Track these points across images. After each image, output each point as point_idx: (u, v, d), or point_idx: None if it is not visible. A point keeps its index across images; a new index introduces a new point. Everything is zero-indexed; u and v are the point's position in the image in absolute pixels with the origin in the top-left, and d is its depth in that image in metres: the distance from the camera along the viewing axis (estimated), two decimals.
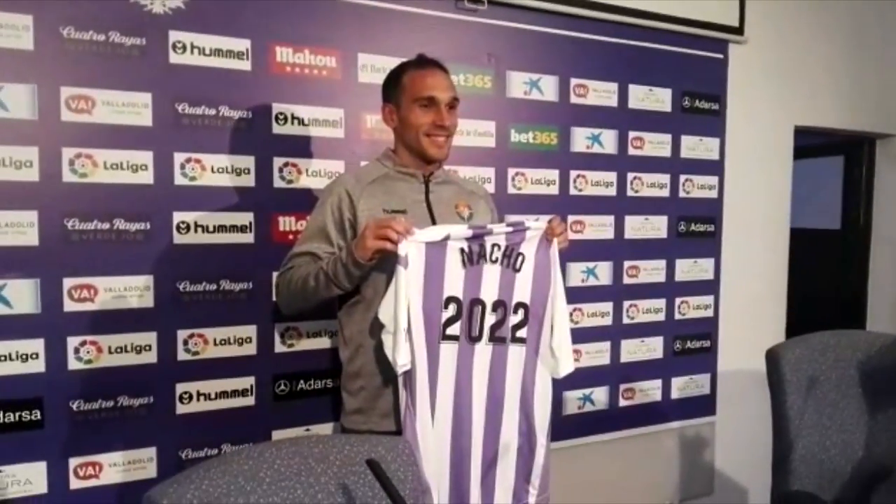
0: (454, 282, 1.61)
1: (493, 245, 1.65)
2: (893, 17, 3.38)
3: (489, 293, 1.65)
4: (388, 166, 1.77)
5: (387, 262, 1.58)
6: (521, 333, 1.70)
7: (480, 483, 1.69)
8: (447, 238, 1.60)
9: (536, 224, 1.70)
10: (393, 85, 1.76)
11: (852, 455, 2.02)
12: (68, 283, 1.83)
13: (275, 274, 2.01)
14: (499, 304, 1.66)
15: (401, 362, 1.55)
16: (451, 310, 1.61)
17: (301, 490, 1.26)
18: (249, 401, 2.07)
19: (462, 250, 1.61)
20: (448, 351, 1.62)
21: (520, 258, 1.68)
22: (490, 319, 1.66)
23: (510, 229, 1.67)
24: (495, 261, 1.65)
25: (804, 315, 3.02)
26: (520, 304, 1.69)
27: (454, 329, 1.62)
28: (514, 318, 1.69)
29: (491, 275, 1.65)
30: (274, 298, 2.00)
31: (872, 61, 3.35)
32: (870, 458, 2.02)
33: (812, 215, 3.86)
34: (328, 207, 1.70)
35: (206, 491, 1.18)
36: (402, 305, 1.54)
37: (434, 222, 1.71)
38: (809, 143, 3.62)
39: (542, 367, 1.73)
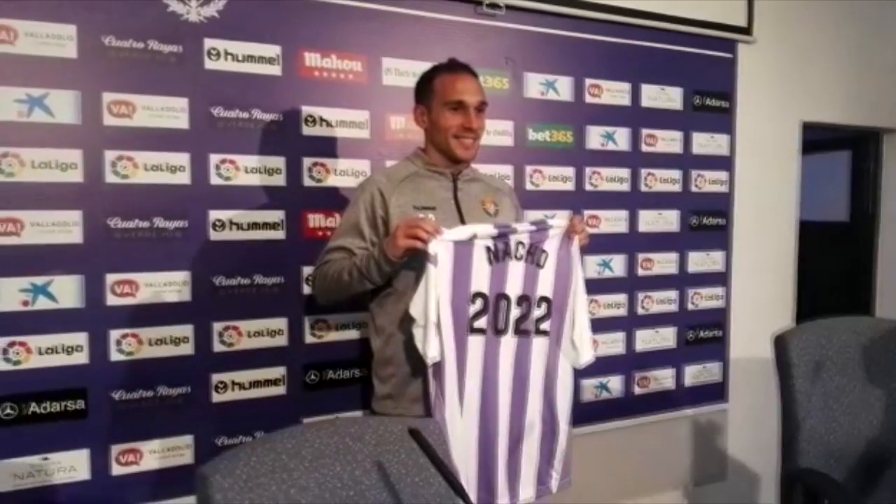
0: (481, 278, 1.69)
1: (518, 243, 1.73)
2: (892, 11, 3.41)
3: (514, 288, 1.73)
4: (418, 165, 1.86)
5: (416, 259, 1.66)
6: (544, 326, 1.78)
7: (506, 467, 1.77)
8: (474, 237, 1.68)
9: (558, 222, 1.78)
10: (424, 88, 1.84)
11: (858, 435, 2.08)
12: (110, 278, 1.91)
13: (305, 269, 2.11)
14: (523, 299, 1.75)
15: (431, 355, 1.63)
16: (479, 304, 1.70)
17: (339, 467, 1.33)
18: (281, 390, 2.15)
19: (488, 248, 1.70)
20: (476, 343, 1.70)
21: (543, 255, 1.76)
22: (515, 313, 1.74)
23: (534, 228, 1.75)
24: (520, 258, 1.73)
25: (815, 304, 3.06)
26: (543, 299, 1.77)
27: (481, 322, 1.70)
28: (538, 312, 1.77)
29: (515, 271, 1.73)
30: (309, 291, 2.10)
31: (878, 58, 3.39)
32: (874, 439, 2.08)
33: (821, 208, 3.91)
34: (361, 205, 1.78)
35: (254, 467, 1.25)
36: (432, 301, 1.62)
37: (462, 218, 1.79)
38: (818, 138, 3.66)
39: (563, 357, 1.82)
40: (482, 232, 1.69)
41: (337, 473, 1.33)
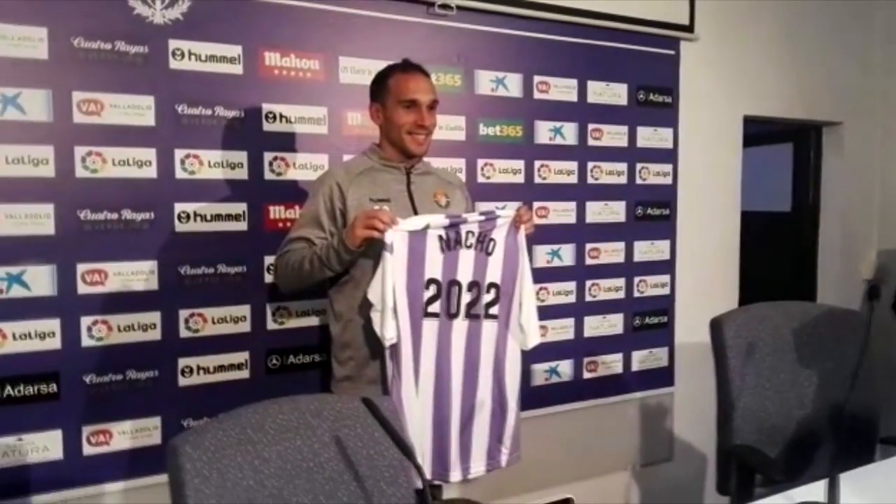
0: (434, 265, 1.80)
1: (468, 232, 1.84)
2: (834, 10, 3.55)
3: (465, 275, 1.85)
4: (374, 159, 1.96)
5: (373, 248, 1.77)
6: (494, 310, 1.90)
7: (458, 443, 1.89)
8: (427, 227, 1.79)
9: (505, 212, 1.90)
10: (379, 86, 1.94)
11: (788, 413, 2.20)
12: (81, 268, 1.98)
13: (267, 258, 2.20)
14: (473, 285, 1.86)
15: (388, 336, 1.75)
16: (432, 290, 1.81)
17: (300, 440, 1.42)
18: (244, 374, 2.23)
19: (440, 237, 1.81)
20: (430, 326, 1.82)
21: (491, 243, 1.88)
22: (466, 298, 1.86)
23: (482, 218, 1.87)
24: (469, 246, 1.85)
25: (759, 292, 3.15)
26: (492, 285, 1.89)
27: (435, 307, 1.82)
28: (487, 297, 1.89)
29: (466, 258, 1.85)
30: (270, 280, 2.19)
31: (815, 53, 3.51)
32: (803, 417, 2.21)
33: (766, 199, 4.06)
34: (321, 197, 1.88)
35: (221, 439, 1.34)
36: (389, 286, 1.73)
37: (415, 210, 1.90)
38: (762, 131, 3.79)
39: (512, 340, 1.93)
40: (435, 222, 1.81)
41: (298, 447, 1.42)
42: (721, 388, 2.20)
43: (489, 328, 1.90)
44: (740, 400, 2.16)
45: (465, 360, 1.89)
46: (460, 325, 1.87)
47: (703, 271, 3.26)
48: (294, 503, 1.41)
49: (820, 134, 3.82)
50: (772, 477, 1.97)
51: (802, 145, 3.92)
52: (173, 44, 2.08)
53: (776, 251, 3.97)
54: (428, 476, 1.83)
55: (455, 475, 1.89)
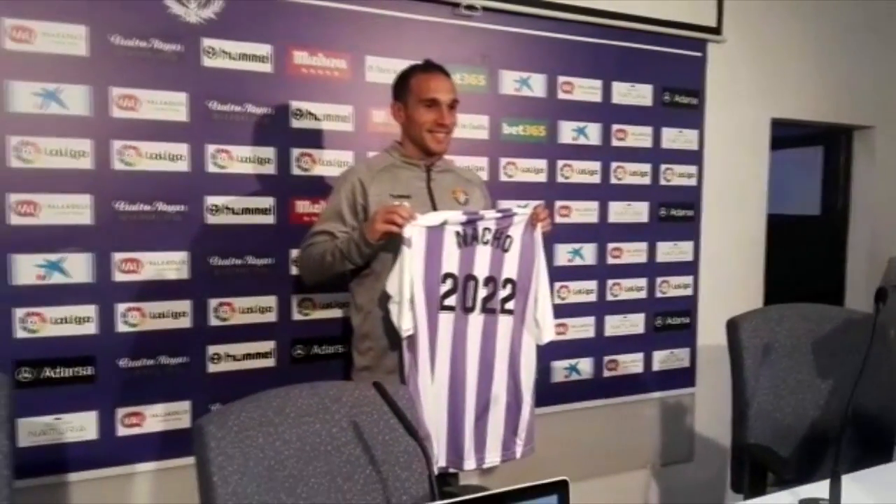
0: (451, 260, 1.85)
1: (485, 229, 1.89)
2: (863, 11, 3.52)
3: (481, 270, 1.89)
4: (395, 156, 2.02)
5: (393, 242, 1.82)
6: (509, 305, 1.94)
7: (473, 433, 1.94)
8: (445, 223, 1.84)
9: (523, 210, 1.94)
10: (401, 86, 2.00)
11: (803, 414, 2.21)
12: (117, 257, 2.07)
13: (293, 251, 2.25)
14: (489, 280, 1.91)
15: (405, 327, 1.80)
16: (449, 284, 1.86)
17: (319, 424, 1.48)
18: (270, 362, 2.30)
19: (458, 233, 1.85)
20: (446, 319, 1.87)
21: (508, 240, 1.92)
22: (482, 293, 1.90)
23: (500, 215, 1.91)
24: (486, 242, 1.89)
25: (786, 295, 3.13)
26: (508, 280, 1.93)
27: (451, 301, 1.87)
28: (503, 292, 1.93)
29: (483, 254, 1.89)
30: (295, 271, 2.25)
31: (847, 56, 3.49)
32: (817, 418, 2.21)
33: (795, 202, 4.05)
34: (343, 193, 1.94)
35: (244, 421, 1.40)
36: (407, 280, 1.79)
37: (435, 206, 1.95)
38: (792, 134, 3.77)
39: (527, 334, 1.97)
40: (452, 218, 1.85)
41: (317, 430, 1.48)
42: (737, 388, 2.21)
43: (505, 323, 1.95)
44: (755, 400, 2.17)
45: (481, 354, 1.93)
46: (476, 319, 1.91)
47: (727, 273, 3.25)
48: (312, 483, 1.47)
49: (851, 137, 3.78)
50: (783, 476, 1.98)
51: (833, 148, 3.88)
52: (206, 42, 2.15)
53: (805, 254, 3.94)
54: (443, 463, 1.89)
55: (469, 463, 1.94)
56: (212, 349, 2.22)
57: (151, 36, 2.08)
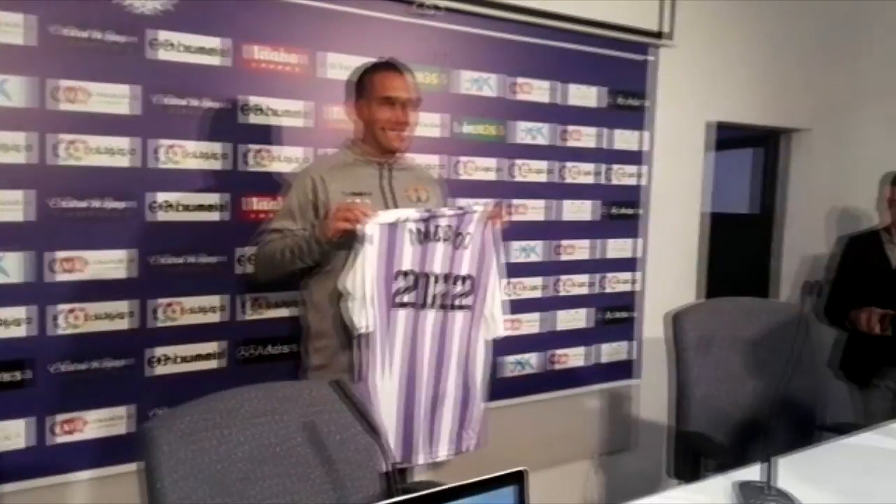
0: (407, 257, 1.87)
1: (440, 226, 1.91)
2: (802, 21, 3.65)
3: (437, 267, 1.91)
4: (353, 154, 2.02)
5: (349, 240, 1.83)
6: (465, 301, 1.97)
7: (425, 428, 1.97)
8: (402, 220, 1.85)
9: (478, 208, 1.97)
10: (359, 83, 2.00)
11: (737, 402, 2.32)
12: (58, 255, 1.98)
13: (244, 249, 2.23)
14: (445, 277, 1.93)
15: (360, 325, 1.81)
16: (405, 281, 1.87)
17: (271, 426, 1.47)
18: (217, 363, 2.24)
19: (413, 230, 1.87)
20: (402, 316, 1.89)
21: (464, 237, 1.94)
22: (438, 289, 1.93)
23: (455, 212, 1.94)
24: (442, 239, 1.91)
25: (724, 290, 3.27)
26: (463, 277, 1.96)
27: (407, 298, 1.89)
28: (459, 289, 1.96)
29: (439, 251, 1.91)
30: (245, 270, 2.22)
31: (785, 62, 3.62)
32: (750, 405, 2.33)
33: (734, 201, 4.19)
34: (300, 190, 1.94)
35: (193, 424, 1.38)
36: (365, 277, 1.80)
37: (392, 204, 1.96)
38: (736, 136, 3.88)
39: (480, 330, 2.01)
40: (408, 215, 1.87)
41: (268, 432, 1.47)
42: (677, 379, 2.31)
43: (459, 319, 1.98)
44: (694, 389, 2.27)
45: (435, 350, 1.96)
46: (431, 316, 1.93)
47: (669, 269, 3.35)
48: (264, 486, 1.46)
49: (788, 140, 3.93)
50: (720, 461, 2.08)
51: (770, 150, 4.02)
52: (158, 34, 2.09)
53: (742, 251, 4.08)
54: (395, 458, 1.90)
55: (420, 458, 1.97)
56: (156, 351, 2.16)
57: (100, 26, 2.00)
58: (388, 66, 2.00)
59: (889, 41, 3.82)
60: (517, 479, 1.04)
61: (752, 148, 4.15)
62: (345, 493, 1.55)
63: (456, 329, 1.97)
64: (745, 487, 1.58)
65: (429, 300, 1.92)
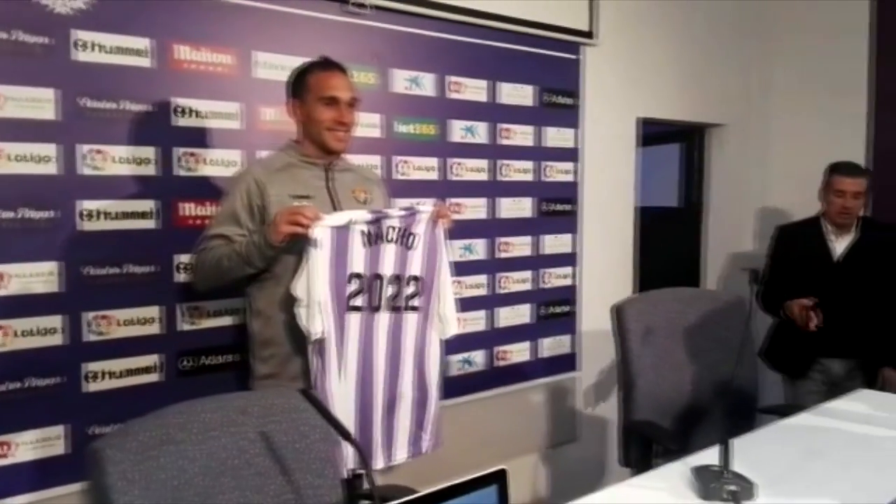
0: (357, 260, 1.83)
1: (390, 227, 1.88)
2: (719, 22, 3.82)
3: (387, 268, 1.88)
4: (293, 156, 1.96)
5: (296, 244, 1.77)
6: (415, 302, 1.95)
7: (382, 432, 1.93)
8: (351, 222, 1.81)
9: (426, 208, 1.95)
10: (298, 83, 1.94)
11: (682, 389, 2.41)
12: None
13: (178, 257, 2.15)
14: (395, 278, 1.90)
15: (315, 330, 1.76)
16: (356, 284, 1.83)
17: (226, 438, 1.43)
18: (155, 377, 2.16)
19: (363, 232, 1.83)
20: (354, 320, 1.84)
21: (412, 237, 1.92)
22: (389, 291, 1.89)
23: (404, 213, 1.91)
24: (391, 240, 1.88)
25: (654, 282, 3.37)
26: (413, 278, 1.94)
27: (358, 301, 1.85)
28: (409, 290, 1.93)
29: (388, 253, 1.88)
30: (182, 279, 2.15)
31: (702, 61, 3.77)
32: (692, 391, 2.42)
33: (659, 195, 4.33)
34: (239, 194, 1.86)
35: (144, 440, 1.33)
36: (315, 281, 1.75)
37: (337, 206, 1.92)
38: (657, 132, 4.02)
39: (432, 330, 2.00)
40: (358, 217, 1.83)
41: (224, 444, 1.43)
42: (622, 369, 2.38)
43: (411, 320, 1.95)
44: (639, 379, 2.34)
45: (389, 352, 1.93)
46: (383, 318, 1.90)
47: (603, 263, 3.43)
48: (222, 500, 1.42)
49: (706, 135, 4.09)
50: (668, 447, 2.15)
51: (691, 145, 4.18)
52: (77, 34, 1.99)
53: (668, 243, 4.22)
54: (352, 465, 1.86)
55: (380, 462, 1.94)
56: (88, 367, 2.06)
57: (14, 27, 1.88)
58: (330, 65, 1.95)
59: (797, 42, 4.04)
60: (498, 478, 1.06)
61: (679, 143, 4.29)
62: (304, 502, 1.51)
63: (409, 330, 1.95)
64: (702, 472, 1.62)
65: (381, 302, 1.89)
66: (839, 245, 3.06)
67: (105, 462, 1.27)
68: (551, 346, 3.23)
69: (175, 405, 1.44)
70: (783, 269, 3.13)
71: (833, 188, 3.01)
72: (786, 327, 3.05)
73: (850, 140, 3.76)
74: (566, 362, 3.30)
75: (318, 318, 1.76)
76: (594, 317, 3.34)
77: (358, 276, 1.84)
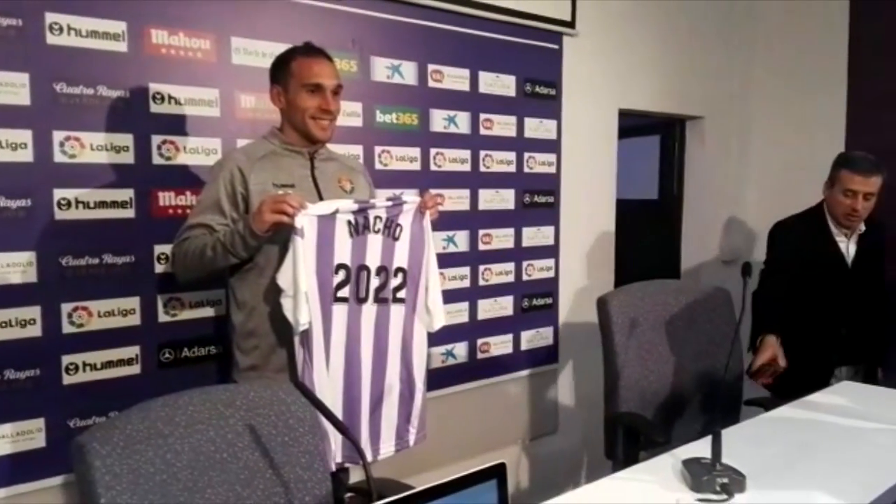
0: (343, 250, 1.80)
1: (376, 217, 1.85)
2: (697, 14, 3.84)
3: (373, 260, 1.86)
4: (276, 144, 1.92)
5: (280, 233, 1.74)
6: (401, 294, 1.93)
7: (368, 426, 1.91)
8: (336, 212, 1.78)
9: (412, 198, 1.93)
10: (281, 69, 1.89)
11: (666, 381, 2.43)
12: None
13: (157, 247, 2.11)
14: (381, 269, 1.88)
15: (302, 322, 1.73)
16: (341, 275, 1.81)
17: (213, 431, 1.41)
18: (135, 369, 2.12)
19: (349, 222, 1.81)
20: (339, 311, 1.82)
21: (398, 228, 1.90)
22: (374, 283, 1.87)
23: (390, 203, 1.88)
24: (377, 231, 1.86)
25: (632, 272, 3.31)
26: (399, 269, 1.91)
27: (344, 292, 1.82)
28: (395, 281, 1.91)
29: (374, 243, 1.86)
30: (162, 269, 2.10)
31: (681, 53, 3.78)
32: (676, 383, 2.44)
33: (637, 187, 4.35)
34: (221, 182, 1.82)
35: (130, 434, 1.30)
36: (300, 272, 1.71)
37: (320, 195, 1.88)
38: (634, 124, 4.01)
39: (418, 322, 1.98)
40: (343, 207, 1.80)
41: (210, 438, 1.41)
42: (607, 361, 2.38)
43: (397, 312, 1.93)
44: (624, 370, 2.35)
45: (375, 344, 1.90)
46: (369, 310, 1.88)
47: (584, 255, 3.44)
48: (209, 494, 1.40)
49: (684, 127, 4.12)
50: (653, 438, 2.15)
51: (669, 137, 4.20)
52: (50, 17, 1.92)
53: (646, 235, 4.25)
54: (339, 459, 1.84)
55: (366, 456, 1.90)
56: (67, 359, 2.01)
57: None
58: (314, 51, 1.91)
59: (778, 37, 4.08)
60: (498, 471, 1.04)
61: (657, 135, 4.31)
62: (292, 496, 1.50)
63: (395, 323, 1.93)
64: (692, 465, 1.62)
65: (367, 294, 1.87)
66: (850, 247, 2.68)
67: (90, 456, 1.24)
68: (532, 338, 3.23)
69: (160, 398, 1.41)
70: (789, 274, 2.66)
71: (842, 186, 2.56)
72: (795, 339, 2.59)
73: (828, 136, 3.79)
74: (547, 354, 3.30)
75: (304, 309, 1.73)
76: (574, 309, 3.37)
77: (344, 266, 1.81)
